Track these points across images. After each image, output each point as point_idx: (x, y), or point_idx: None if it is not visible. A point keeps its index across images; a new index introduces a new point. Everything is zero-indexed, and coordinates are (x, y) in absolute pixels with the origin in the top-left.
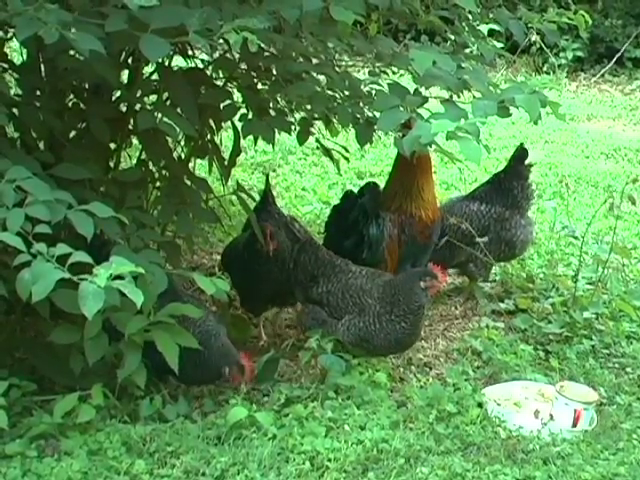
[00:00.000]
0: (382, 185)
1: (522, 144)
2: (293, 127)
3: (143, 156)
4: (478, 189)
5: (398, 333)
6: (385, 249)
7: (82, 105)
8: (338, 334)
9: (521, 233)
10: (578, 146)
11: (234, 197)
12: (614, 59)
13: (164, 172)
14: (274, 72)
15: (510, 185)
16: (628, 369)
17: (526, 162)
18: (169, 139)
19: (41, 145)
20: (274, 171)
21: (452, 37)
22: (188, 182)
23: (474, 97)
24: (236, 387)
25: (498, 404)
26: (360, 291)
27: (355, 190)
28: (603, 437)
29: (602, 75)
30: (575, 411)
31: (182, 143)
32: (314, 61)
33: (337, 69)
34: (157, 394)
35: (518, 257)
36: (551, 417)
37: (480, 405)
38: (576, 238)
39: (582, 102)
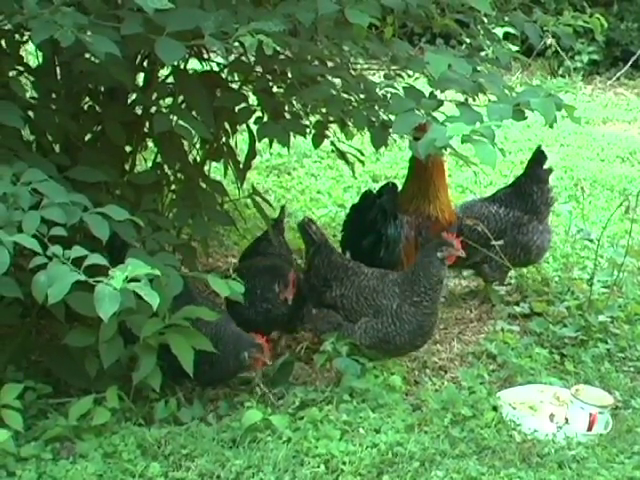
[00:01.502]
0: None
1: (539, 146)
2: (308, 130)
3: (158, 159)
4: (500, 192)
5: (419, 316)
6: (402, 250)
7: (98, 108)
8: (355, 337)
9: (538, 239)
10: (593, 149)
11: (249, 200)
12: (630, 62)
13: (179, 175)
14: (289, 75)
15: (530, 190)
16: None
17: (545, 166)
18: (184, 142)
19: (57, 148)
20: (289, 174)
21: (467, 40)
22: (203, 185)
23: (489, 100)
24: (262, 368)
25: (513, 407)
26: (374, 293)
27: (374, 190)
28: (618, 441)
29: (618, 78)
30: (590, 415)
31: (197, 146)
32: (329, 64)
33: (352, 72)
34: (172, 397)
35: (534, 263)
36: (566, 421)
37: (495, 408)
38: (591, 241)
39: (598, 105)
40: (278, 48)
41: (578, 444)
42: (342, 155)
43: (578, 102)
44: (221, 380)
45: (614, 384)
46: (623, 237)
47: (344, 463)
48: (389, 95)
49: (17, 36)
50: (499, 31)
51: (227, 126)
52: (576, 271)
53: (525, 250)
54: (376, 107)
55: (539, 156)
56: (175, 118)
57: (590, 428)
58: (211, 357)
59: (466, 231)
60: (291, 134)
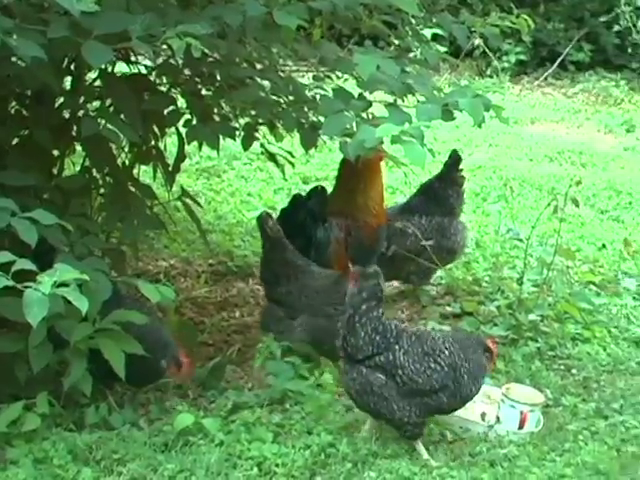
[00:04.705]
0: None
1: (455, 150)
2: (237, 132)
3: (87, 163)
4: (413, 200)
5: None
6: (332, 253)
7: (25, 112)
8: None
9: (460, 239)
10: (522, 149)
11: (179, 203)
12: (557, 62)
13: (108, 179)
14: (218, 78)
15: (445, 193)
16: (573, 371)
17: (460, 168)
18: (113, 145)
19: None
20: (219, 177)
21: (396, 42)
22: (132, 188)
23: (418, 101)
24: (177, 382)
25: None
26: (315, 292)
27: (303, 194)
28: (549, 439)
29: (545, 78)
30: (521, 413)
31: (126, 149)
32: (258, 66)
33: (281, 74)
34: (103, 402)
35: (456, 260)
36: (498, 419)
37: None
38: (521, 241)
39: (525, 105)
40: (206, 50)
41: (509, 442)
42: (272, 157)
43: (506, 102)
44: (146, 382)
45: (545, 382)
46: (552, 236)
47: (277, 465)
48: (318, 97)
49: None
50: (427, 32)
51: (156, 129)
52: (506, 270)
53: (451, 252)
54: (305, 109)
55: (455, 159)
56: (103, 122)
57: (521, 426)
58: (137, 360)
59: (396, 236)
60: (220, 136)
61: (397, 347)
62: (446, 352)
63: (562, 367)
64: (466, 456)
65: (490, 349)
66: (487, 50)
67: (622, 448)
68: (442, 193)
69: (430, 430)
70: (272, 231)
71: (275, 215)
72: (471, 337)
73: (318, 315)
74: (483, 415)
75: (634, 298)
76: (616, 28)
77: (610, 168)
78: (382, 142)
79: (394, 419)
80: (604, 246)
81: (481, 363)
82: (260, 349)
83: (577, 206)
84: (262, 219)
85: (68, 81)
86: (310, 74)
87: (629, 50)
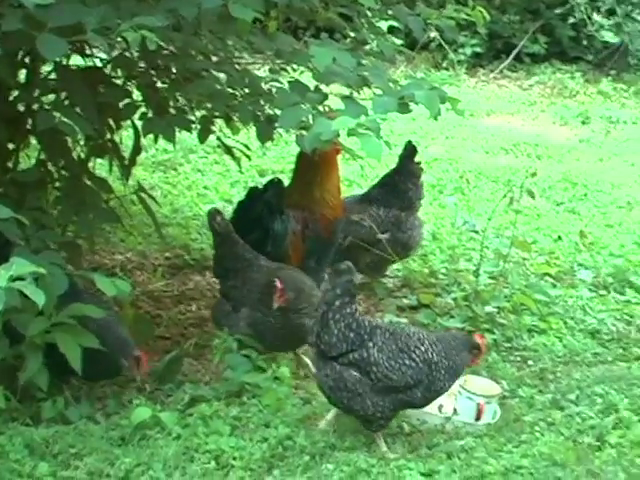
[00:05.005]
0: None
1: (410, 141)
2: (194, 125)
3: (42, 156)
4: (373, 190)
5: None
6: (289, 245)
7: None
8: (239, 327)
9: (417, 235)
10: (478, 141)
11: (135, 197)
12: (512, 55)
13: (64, 172)
14: (173, 70)
15: (405, 187)
16: (530, 362)
17: (416, 160)
18: (68, 139)
19: None
20: (175, 170)
21: (352, 34)
22: (88, 182)
23: (374, 94)
24: (135, 375)
25: None
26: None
27: (260, 186)
28: (506, 430)
29: (500, 71)
30: (478, 405)
31: (81, 143)
32: (214, 59)
33: (237, 67)
34: (59, 396)
35: (411, 256)
36: (455, 411)
37: None
38: (477, 233)
39: (481, 98)
40: (161, 43)
41: (466, 434)
42: (228, 150)
43: (462, 94)
44: (101, 377)
45: (501, 374)
46: (508, 228)
47: (234, 458)
48: (274, 89)
49: None
50: (383, 24)
51: (111, 122)
52: (462, 262)
53: (406, 247)
54: (261, 101)
55: (410, 150)
56: (58, 115)
57: (478, 418)
58: (93, 355)
59: (352, 226)
60: (176, 129)
61: (371, 344)
62: (422, 348)
63: (518, 358)
64: (423, 448)
65: (479, 346)
66: (443, 42)
67: (578, 439)
68: (402, 186)
69: None
70: (220, 227)
71: (231, 208)
72: (458, 335)
73: (257, 309)
74: (440, 407)
75: (590, 290)
76: (571, 20)
77: (565, 160)
78: (338, 135)
79: (367, 415)
80: (560, 238)
81: (460, 360)
82: (217, 345)
83: (533, 198)
84: (210, 215)
85: (23, 74)
86: (266, 67)
87: (584, 42)
